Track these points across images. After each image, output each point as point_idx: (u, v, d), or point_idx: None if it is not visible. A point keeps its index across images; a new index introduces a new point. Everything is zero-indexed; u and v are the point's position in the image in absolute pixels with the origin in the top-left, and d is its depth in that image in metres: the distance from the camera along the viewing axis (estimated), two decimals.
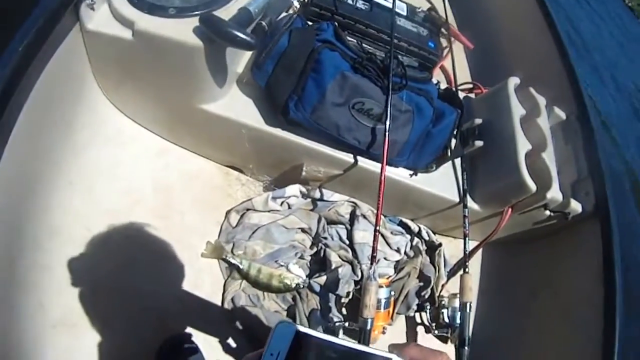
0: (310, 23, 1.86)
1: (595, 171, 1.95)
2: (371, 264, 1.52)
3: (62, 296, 1.55)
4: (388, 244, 2.05)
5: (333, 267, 1.87)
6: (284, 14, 1.84)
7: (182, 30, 1.45)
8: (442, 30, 2.46)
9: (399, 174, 1.89)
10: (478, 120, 2.07)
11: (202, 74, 1.57)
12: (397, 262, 2.07)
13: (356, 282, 1.88)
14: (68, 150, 1.70)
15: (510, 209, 1.97)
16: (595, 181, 1.93)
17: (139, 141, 1.92)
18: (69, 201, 1.68)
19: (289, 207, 1.97)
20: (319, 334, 0.57)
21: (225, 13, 1.48)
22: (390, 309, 1.90)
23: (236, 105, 1.76)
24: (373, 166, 1.83)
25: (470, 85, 2.49)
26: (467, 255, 1.89)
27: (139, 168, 1.89)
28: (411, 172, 1.91)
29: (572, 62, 2.32)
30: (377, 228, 1.56)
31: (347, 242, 1.97)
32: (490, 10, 2.98)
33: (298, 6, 2.14)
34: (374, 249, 1.54)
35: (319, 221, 1.96)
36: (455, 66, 2.40)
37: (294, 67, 1.65)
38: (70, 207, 1.68)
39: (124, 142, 1.89)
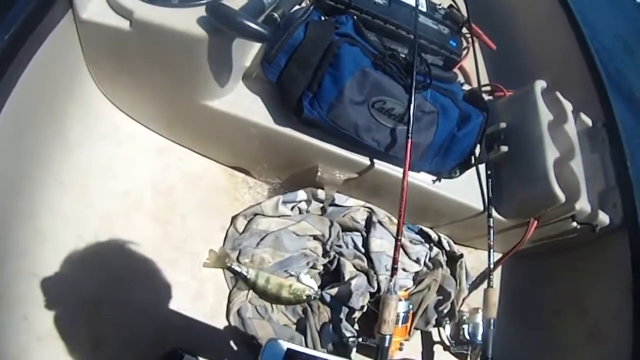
0: (324, 18, 1.77)
1: (623, 182, 1.92)
2: (391, 276, 1.45)
3: (49, 307, 1.47)
4: (407, 254, 1.98)
5: (347, 277, 1.80)
6: (297, 6, 1.76)
7: (186, 20, 1.37)
8: (464, 29, 2.38)
9: (421, 179, 1.83)
10: (503, 125, 2.02)
11: (207, 67, 1.49)
12: (416, 273, 1.99)
13: (371, 294, 1.81)
14: (58, 148, 1.62)
15: (536, 220, 1.91)
16: (624, 192, 1.90)
17: (137, 139, 1.85)
18: (59, 204, 1.60)
19: (300, 212, 1.89)
20: (310, 351, 0.60)
21: (234, 3, 1.40)
22: (408, 324, 1.84)
23: (243, 102, 1.68)
24: (393, 170, 1.76)
25: (491, 87, 2.42)
26: (492, 269, 1.83)
27: (136, 168, 1.81)
28: (434, 178, 1.84)
29: (597, 65, 2.26)
30: (400, 237, 1.48)
31: (363, 250, 1.90)
32: (511, 10, 2.92)
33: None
34: (394, 260, 1.47)
35: (332, 228, 1.88)
36: (470, 68, 2.35)
37: (309, 61, 1.56)
38: (60, 211, 1.60)
39: (121, 140, 1.81)
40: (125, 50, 1.51)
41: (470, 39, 2.34)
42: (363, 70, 1.55)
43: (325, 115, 1.58)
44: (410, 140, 1.53)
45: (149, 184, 1.81)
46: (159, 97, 1.72)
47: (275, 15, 1.46)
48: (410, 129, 1.53)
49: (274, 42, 1.57)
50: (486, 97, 2.24)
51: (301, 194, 1.87)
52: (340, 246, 1.87)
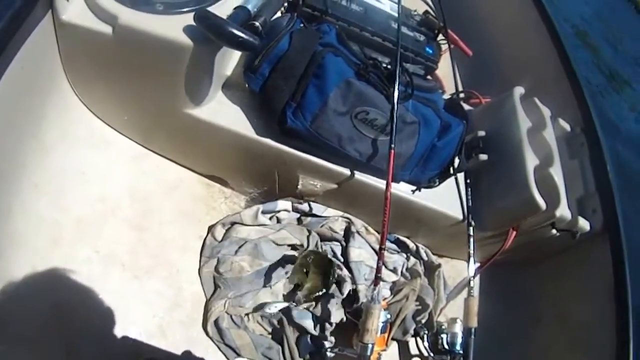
0: (304, 25, 1.81)
1: (603, 187, 1.97)
2: (375, 285, 1.48)
3: (20, 311, 1.46)
4: (384, 264, 2.01)
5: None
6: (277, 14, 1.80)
7: (171, 27, 1.39)
8: (440, 35, 2.43)
9: (400, 188, 1.87)
10: (481, 132, 2.08)
11: (190, 75, 1.52)
12: (394, 283, 2.04)
13: (349, 304, 1.85)
14: (34, 151, 1.61)
15: (516, 228, 1.96)
16: (604, 198, 1.95)
17: (113, 144, 1.85)
18: (34, 206, 1.60)
19: (279, 222, 1.92)
20: None
21: (219, 11, 1.43)
22: (386, 334, 1.87)
23: (224, 111, 1.72)
24: (373, 180, 1.81)
25: (467, 94, 2.49)
26: (472, 278, 1.87)
27: (113, 174, 1.82)
28: (413, 188, 1.89)
29: (575, 70, 2.34)
30: (383, 247, 1.52)
31: (342, 259, 1.94)
32: (487, 15, 3.00)
33: (286, 4, 2.10)
34: (378, 269, 1.50)
35: (310, 237, 1.92)
36: (444, 75, 2.41)
37: (293, 71, 1.61)
38: (34, 213, 1.59)
39: (97, 145, 1.82)
40: (105, 55, 1.52)
41: (446, 46, 2.39)
42: (347, 81, 1.61)
43: (308, 126, 1.63)
44: (392, 151, 1.57)
45: (126, 191, 1.82)
46: (138, 103, 1.73)
47: (257, 23, 1.50)
48: (393, 139, 1.58)
49: (258, 52, 1.61)
50: (462, 104, 2.28)
51: (280, 204, 1.91)
52: None
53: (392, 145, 1.57)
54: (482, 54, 2.66)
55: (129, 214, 1.79)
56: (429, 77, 2.27)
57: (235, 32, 1.32)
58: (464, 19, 2.75)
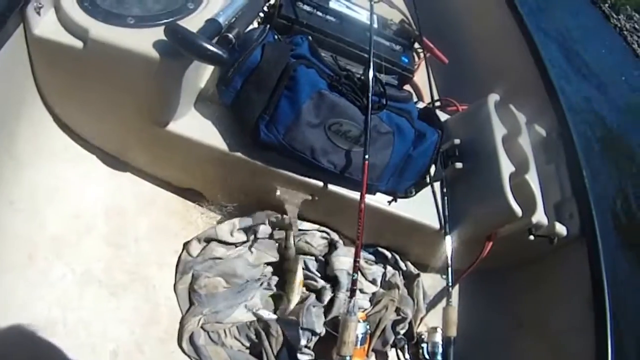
0: (278, 37, 1.79)
1: (579, 191, 1.96)
2: (350, 297, 1.45)
3: None
4: (363, 275, 2.00)
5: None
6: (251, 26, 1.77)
7: (142, 41, 1.37)
8: (416, 44, 2.41)
9: (377, 199, 1.85)
10: (457, 141, 2.06)
11: (162, 89, 1.50)
12: (373, 294, 2.01)
13: (325, 315, 1.82)
14: (8, 167, 1.58)
15: (493, 235, 1.94)
16: (580, 202, 1.94)
17: (88, 159, 1.82)
18: (9, 223, 1.56)
19: (256, 237, 1.87)
20: None
21: (190, 24, 1.40)
22: (366, 345, 1.84)
23: (198, 125, 1.68)
24: (349, 192, 1.78)
25: (444, 102, 2.47)
26: (450, 287, 1.84)
27: (88, 190, 1.79)
28: (389, 198, 1.87)
29: (550, 75, 2.33)
30: (358, 259, 1.49)
31: (318, 274, 1.92)
32: (462, 23, 3.00)
33: (262, 15, 2.07)
34: (354, 282, 1.46)
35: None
36: (422, 83, 2.38)
37: (266, 84, 1.58)
38: (9, 230, 1.55)
39: (72, 160, 1.78)
40: (77, 69, 1.49)
41: (422, 54, 2.37)
42: (320, 93, 1.58)
43: (282, 139, 1.60)
44: (366, 162, 1.54)
45: (101, 206, 1.78)
46: (111, 117, 1.70)
47: (230, 36, 1.48)
48: (367, 150, 1.55)
49: (230, 64, 1.58)
50: (438, 112, 2.25)
51: (257, 218, 1.86)
52: None
53: (366, 157, 1.54)
54: (459, 61, 2.66)
55: (104, 230, 1.75)
56: (406, 86, 2.26)
57: (205, 45, 1.29)
58: (441, 27, 2.76)
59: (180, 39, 1.31)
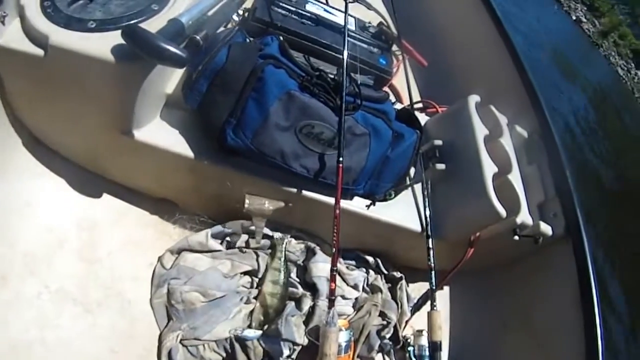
0: (250, 39, 1.70)
1: (563, 190, 1.91)
2: (329, 308, 1.38)
3: None
4: (344, 280, 1.90)
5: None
6: (222, 28, 1.68)
7: (101, 45, 1.27)
8: (394, 46, 2.33)
9: (354, 204, 1.76)
10: (438, 142, 1.97)
11: (125, 96, 1.40)
12: (356, 299, 1.91)
13: (306, 324, 1.72)
14: None
15: (477, 237, 1.87)
16: (564, 201, 1.89)
17: (58, 171, 1.72)
18: None
19: (230, 246, 1.78)
20: None
21: (153, 25, 1.31)
22: (351, 353, 1.74)
23: (164, 132, 1.59)
24: (324, 197, 1.69)
25: (424, 104, 2.40)
26: (434, 290, 1.75)
27: (59, 203, 1.68)
28: (367, 203, 1.77)
29: (529, 76, 2.28)
30: (335, 268, 1.40)
31: (298, 279, 1.81)
32: (441, 24, 2.94)
33: (237, 20, 1.98)
34: (331, 291, 1.39)
35: (259, 259, 1.79)
36: (401, 85, 2.30)
37: (232, 86, 1.48)
38: None
39: (42, 172, 1.68)
40: (41, 78, 1.40)
41: (400, 56, 2.30)
42: (289, 94, 1.48)
43: (249, 143, 1.49)
44: (341, 165, 1.46)
45: (73, 220, 1.68)
46: (78, 127, 1.59)
47: (198, 38, 1.39)
48: (341, 153, 1.47)
49: (195, 66, 1.49)
50: (418, 114, 2.17)
51: (230, 227, 1.76)
52: None
53: (340, 159, 1.45)
54: (438, 63, 2.63)
55: (77, 245, 1.65)
56: (384, 88, 2.18)
57: (163, 46, 1.19)
58: (420, 30, 2.73)
59: (137, 41, 1.21)
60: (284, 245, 1.79)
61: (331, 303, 1.38)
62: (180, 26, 1.33)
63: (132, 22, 1.35)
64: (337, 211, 1.41)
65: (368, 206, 1.75)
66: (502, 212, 1.70)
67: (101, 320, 1.56)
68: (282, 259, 1.76)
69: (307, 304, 1.74)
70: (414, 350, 1.87)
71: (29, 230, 1.58)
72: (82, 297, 1.57)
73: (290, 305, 1.72)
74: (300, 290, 1.77)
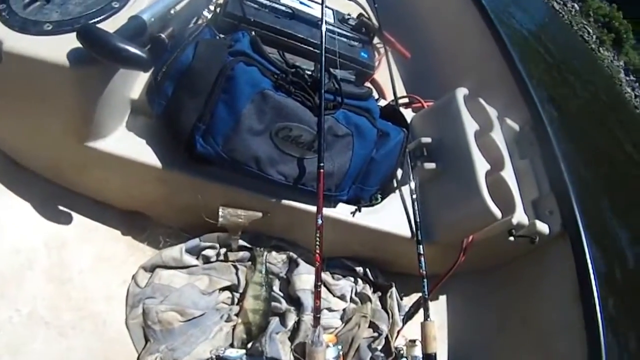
0: (217, 34, 1.55)
1: (558, 186, 1.81)
2: (314, 326, 1.26)
3: None
4: (330, 291, 1.76)
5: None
6: (192, 25, 1.55)
7: (57, 48, 1.14)
8: (376, 39, 2.20)
9: (339, 211, 1.63)
10: (426, 139, 1.85)
11: (86, 103, 1.27)
12: (344, 310, 1.78)
13: (291, 340, 1.59)
14: None
15: (470, 240, 1.75)
16: (560, 197, 1.79)
17: (23, 187, 1.57)
18: None
19: (207, 260, 1.64)
20: None
21: (114, 25, 1.19)
22: None
23: (131, 140, 1.45)
24: (305, 205, 1.55)
25: (410, 99, 2.27)
26: (427, 299, 1.64)
27: (25, 221, 1.54)
28: (352, 210, 1.63)
29: (518, 65, 2.17)
30: (319, 284, 1.27)
31: (281, 293, 1.67)
32: (425, 15, 2.83)
33: (208, 16, 1.85)
34: (316, 309, 1.26)
35: (239, 273, 1.66)
36: (384, 79, 2.18)
37: (200, 87, 1.33)
38: None
39: (6, 189, 1.55)
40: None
41: (382, 49, 2.18)
42: (262, 93, 1.33)
43: (220, 150, 1.34)
44: (322, 171, 1.32)
45: (40, 239, 1.54)
46: (39, 138, 1.47)
47: (163, 36, 1.26)
48: (322, 157, 1.33)
49: (159, 68, 1.35)
50: (403, 110, 2.07)
51: (205, 240, 1.62)
52: None
53: (321, 165, 1.31)
54: (422, 56, 2.52)
55: (46, 265, 1.52)
56: (367, 83, 2.07)
57: (120, 46, 1.06)
58: (402, 20, 2.62)
59: (92, 42, 1.08)
60: (264, 258, 1.64)
61: (316, 321, 1.26)
62: (141, 23, 1.20)
63: (91, 21, 1.22)
64: (320, 222, 1.28)
65: (353, 213, 1.62)
66: (497, 213, 1.59)
67: (76, 344, 1.44)
68: (263, 271, 1.63)
69: (291, 319, 1.61)
70: None
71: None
72: (54, 320, 1.45)
73: (275, 321, 1.59)
74: (284, 304, 1.63)
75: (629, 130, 11.64)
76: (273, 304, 1.63)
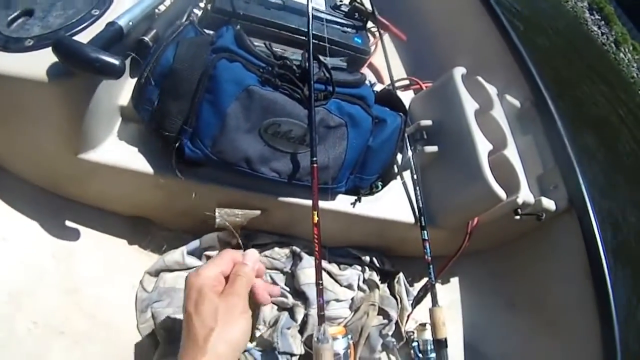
0: (201, 31, 1.49)
1: (562, 160, 1.76)
2: (319, 324, 1.21)
3: None
4: (337, 282, 1.71)
5: (269, 320, 1.57)
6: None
7: (36, 64, 1.10)
8: (370, 22, 2.15)
9: (338, 203, 1.58)
10: (425, 122, 1.79)
11: (72, 116, 1.23)
12: (352, 299, 1.73)
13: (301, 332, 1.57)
14: None
15: (475, 222, 1.71)
16: (565, 171, 1.74)
17: (26, 201, 1.55)
18: None
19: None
20: None
21: (92, 33, 1.15)
22: (352, 359, 1.57)
23: (123, 149, 1.41)
24: (302, 200, 1.51)
25: (407, 82, 2.22)
26: (434, 285, 1.59)
27: (33, 233, 1.51)
28: (352, 201, 1.58)
29: (516, 42, 2.11)
30: (320, 282, 1.23)
31: (288, 288, 1.64)
32: None
33: (199, 14, 1.80)
34: (320, 307, 1.22)
35: None
36: (382, 62, 2.06)
37: (183, 89, 1.27)
38: None
39: (11, 204, 1.52)
40: None
41: (377, 33, 2.12)
42: (248, 90, 1.26)
43: (210, 152, 1.28)
44: (315, 165, 1.26)
45: (48, 252, 1.52)
46: (33, 152, 1.44)
47: (146, 39, 1.25)
48: (314, 152, 1.29)
49: (140, 72, 1.30)
50: (402, 93, 2.02)
51: (205, 241, 1.59)
52: None
53: (314, 159, 1.26)
54: (419, 37, 2.48)
55: (56, 276, 1.49)
56: (364, 68, 2.04)
57: (93, 56, 1.00)
58: (398, 3, 2.59)
59: (66, 54, 1.03)
60: None
61: (320, 319, 1.22)
62: (117, 29, 1.14)
63: (71, 32, 1.17)
64: (316, 219, 1.23)
65: (354, 203, 1.57)
66: (502, 194, 1.53)
67: (92, 350, 1.43)
68: None
69: (300, 313, 1.57)
70: (418, 345, 1.71)
71: (8, 268, 1.44)
72: (69, 329, 1.43)
73: (284, 316, 1.56)
74: (291, 299, 1.59)
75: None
76: (280, 299, 1.59)
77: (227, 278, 0.89)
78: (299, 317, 1.56)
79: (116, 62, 1.02)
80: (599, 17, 16.51)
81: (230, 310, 0.82)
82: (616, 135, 8.34)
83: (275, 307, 1.61)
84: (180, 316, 1.45)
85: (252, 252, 0.95)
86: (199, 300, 0.81)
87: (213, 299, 0.82)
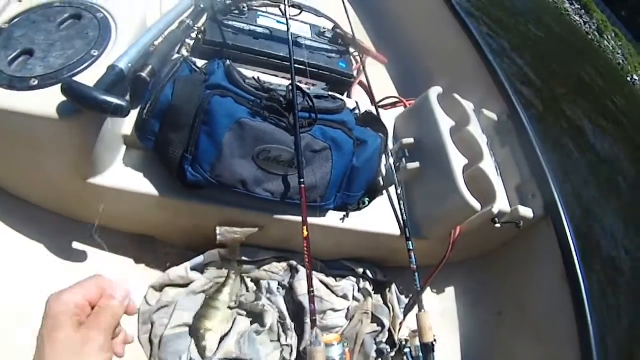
0: (200, 64, 1.62)
1: (537, 170, 1.84)
2: (312, 328, 1.31)
3: None
4: (333, 292, 1.81)
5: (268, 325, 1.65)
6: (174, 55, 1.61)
7: (45, 103, 1.20)
8: (352, 47, 2.25)
9: (328, 219, 1.68)
10: (407, 140, 1.90)
11: (81, 147, 1.33)
12: (348, 309, 1.83)
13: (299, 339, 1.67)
14: None
15: (457, 232, 1.79)
16: (540, 181, 1.83)
17: (35, 220, 1.64)
18: None
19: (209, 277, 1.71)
20: None
21: (94, 74, 1.26)
22: None
23: (128, 173, 1.52)
24: (296, 217, 1.60)
25: (394, 100, 2.31)
26: (420, 292, 1.68)
27: (42, 251, 1.61)
28: (341, 216, 1.69)
29: (490, 58, 2.24)
30: (312, 290, 1.33)
31: (284, 305, 1.73)
32: (401, 19, 2.86)
33: (191, 44, 1.91)
34: (312, 312, 1.32)
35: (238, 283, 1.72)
36: (373, 82, 2.16)
37: (182, 122, 1.40)
38: None
39: (23, 226, 1.61)
40: None
41: (360, 57, 2.23)
42: (239, 123, 1.39)
43: (209, 176, 1.42)
44: (303, 186, 1.38)
45: (61, 269, 1.61)
46: (41, 180, 1.54)
47: (144, 75, 1.34)
48: (301, 174, 1.39)
49: (146, 105, 1.43)
50: (386, 112, 2.13)
51: (208, 257, 1.69)
52: (264, 305, 1.69)
53: (302, 180, 1.38)
54: (402, 58, 2.61)
55: None
56: (353, 90, 2.16)
57: (102, 99, 1.13)
58: (377, 26, 2.68)
59: (75, 96, 1.15)
60: (235, 280, 1.72)
61: (313, 323, 1.31)
62: (119, 72, 1.26)
63: (73, 72, 1.28)
64: (305, 233, 1.34)
65: (342, 219, 1.68)
66: (476, 205, 1.64)
67: None
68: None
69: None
70: (410, 351, 1.76)
71: (17, 288, 1.51)
72: None
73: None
74: (288, 321, 1.69)
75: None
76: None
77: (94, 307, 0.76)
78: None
79: (124, 104, 1.15)
80: (579, 7, 16.59)
81: (88, 344, 0.70)
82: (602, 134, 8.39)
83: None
84: (177, 330, 1.55)
85: (124, 287, 0.82)
86: (55, 327, 0.70)
87: (69, 329, 0.70)
